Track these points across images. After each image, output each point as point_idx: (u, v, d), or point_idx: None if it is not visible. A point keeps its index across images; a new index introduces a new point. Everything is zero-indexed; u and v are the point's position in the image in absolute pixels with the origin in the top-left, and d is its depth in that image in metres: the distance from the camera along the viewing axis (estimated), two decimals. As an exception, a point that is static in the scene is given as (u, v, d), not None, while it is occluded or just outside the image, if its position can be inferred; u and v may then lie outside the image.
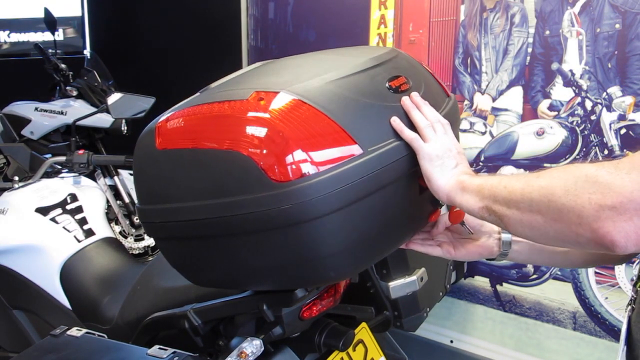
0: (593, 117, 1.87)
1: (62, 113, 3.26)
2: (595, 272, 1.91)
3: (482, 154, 2.12)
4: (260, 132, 0.85)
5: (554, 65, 1.92)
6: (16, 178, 1.99)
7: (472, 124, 2.13)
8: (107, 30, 4.90)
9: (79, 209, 1.84)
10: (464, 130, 2.13)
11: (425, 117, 0.95)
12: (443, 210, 1.09)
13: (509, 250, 1.08)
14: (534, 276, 2.06)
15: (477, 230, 1.08)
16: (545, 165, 1.98)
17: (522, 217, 0.80)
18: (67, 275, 1.70)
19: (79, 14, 4.92)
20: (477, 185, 0.87)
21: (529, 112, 2.00)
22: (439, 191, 0.91)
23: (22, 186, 1.92)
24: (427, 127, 0.94)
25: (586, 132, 1.89)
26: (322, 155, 0.85)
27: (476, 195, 0.86)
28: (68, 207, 1.83)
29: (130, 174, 2.98)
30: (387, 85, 0.96)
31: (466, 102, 2.12)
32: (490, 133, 2.09)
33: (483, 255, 1.09)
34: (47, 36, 4.63)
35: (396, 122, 0.93)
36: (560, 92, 1.92)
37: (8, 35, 4.93)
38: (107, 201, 2.94)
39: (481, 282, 2.19)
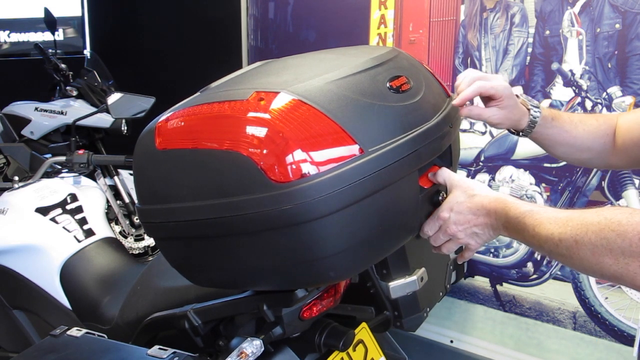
0: (593, 117, 1.87)
1: (62, 113, 3.26)
2: (596, 272, 1.91)
3: (482, 154, 2.12)
4: (260, 132, 0.85)
5: (554, 65, 1.92)
6: (16, 178, 1.98)
7: (472, 124, 2.13)
8: (107, 30, 4.90)
9: (79, 209, 1.84)
10: (464, 130, 2.13)
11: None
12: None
13: (533, 131, 1.17)
14: (534, 276, 2.06)
15: (511, 104, 1.14)
16: (545, 165, 1.98)
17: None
18: (67, 275, 1.69)
19: (79, 14, 4.93)
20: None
21: (529, 112, 1.99)
22: None
23: (22, 186, 1.92)
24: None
25: (586, 132, 1.89)
26: (323, 155, 0.85)
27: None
28: (68, 207, 1.83)
29: (130, 174, 2.98)
30: (387, 85, 0.96)
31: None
32: (490, 133, 2.09)
33: (512, 126, 1.17)
34: (47, 36, 4.64)
35: None
36: (560, 92, 1.92)
37: (8, 35, 4.94)
38: (107, 201, 2.95)
39: (481, 282, 2.18)
